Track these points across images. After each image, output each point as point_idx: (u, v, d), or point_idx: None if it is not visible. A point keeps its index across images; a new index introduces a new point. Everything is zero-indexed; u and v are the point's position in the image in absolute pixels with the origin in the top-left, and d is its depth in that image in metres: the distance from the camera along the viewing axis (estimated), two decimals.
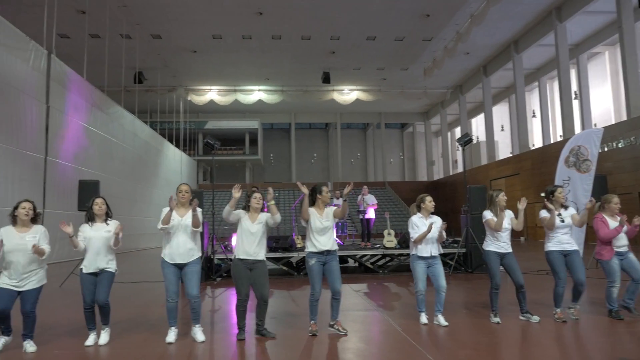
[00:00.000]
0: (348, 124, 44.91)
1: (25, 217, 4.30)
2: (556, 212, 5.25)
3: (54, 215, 14.42)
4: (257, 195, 4.71)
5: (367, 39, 24.03)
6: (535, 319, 5.17)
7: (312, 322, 4.80)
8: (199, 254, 4.67)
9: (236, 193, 4.57)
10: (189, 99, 31.81)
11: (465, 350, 4.09)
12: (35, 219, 4.41)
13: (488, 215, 5.31)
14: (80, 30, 20.65)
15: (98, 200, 4.66)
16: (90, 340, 4.48)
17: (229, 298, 7.34)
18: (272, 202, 4.65)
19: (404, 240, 10.45)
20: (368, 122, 43.74)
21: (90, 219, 4.62)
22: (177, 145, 33.39)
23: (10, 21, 12.82)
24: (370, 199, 11.80)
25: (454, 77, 30.96)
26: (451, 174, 36.82)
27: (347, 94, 32.48)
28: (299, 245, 10.68)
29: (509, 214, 5.33)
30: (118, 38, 22.24)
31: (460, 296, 7.05)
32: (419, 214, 5.37)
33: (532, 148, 26.51)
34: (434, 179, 39.50)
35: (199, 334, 4.56)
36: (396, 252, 10.40)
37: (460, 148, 11.15)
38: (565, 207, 5.39)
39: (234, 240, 10.22)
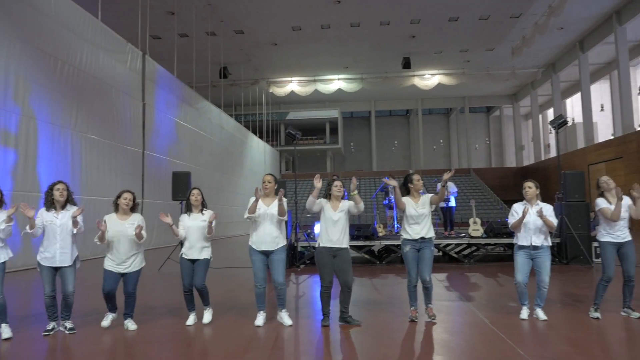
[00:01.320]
0: (430, 109, 43.67)
1: (126, 206, 4.73)
2: None
3: (151, 205, 15.59)
4: (337, 183, 4.77)
5: (449, 20, 23.09)
6: (635, 314, 4.75)
7: (412, 308, 4.84)
8: (284, 242, 4.83)
9: (318, 183, 4.64)
10: (270, 91, 32.69)
11: (561, 347, 3.83)
12: (134, 208, 4.81)
13: (602, 203, 4.89)
14: (170, 30, 21.95)
15: (194, 192, 4.96)
16: (190, 320, 4.82)
17: (313, 285, 7.49)
18: (355, 192, 4.66)
19: (490, 229, 9.99)
20: (451, 107, 42.25)
21: (188, 209, 4.92)
22: (260, 137, 34.53)
23: (109, 26, 13.93)
24: (452, 186, 11.42)
25: (546, 55, 28.84)
26: (543, 159, 34.55)
27: (429, 78, 31.53)
28: (380, 234, 10.63)
29: (626, 200, 4.86)
30: (204, 36, 23.35)
31: (555, 289, 6.61)
32: (524, 201, 5.05)
33: (639, 129, 24.04)
34: (523, 165, 37.33)
35: (285, 318, 4.72)
36: (482, 241, 9.98)
37: (553, 131, 10.41)
38: None
39: (316, 228, 10.45)
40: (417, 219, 4.79)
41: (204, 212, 4.93)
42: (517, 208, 5.00)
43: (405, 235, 4.84)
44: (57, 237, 4.47)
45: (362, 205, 4.64)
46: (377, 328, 4.55)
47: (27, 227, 4.40)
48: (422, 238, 4.76)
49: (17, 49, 10.10)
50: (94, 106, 12.83)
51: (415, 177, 4.87)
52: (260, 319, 4.71)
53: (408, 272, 4.81)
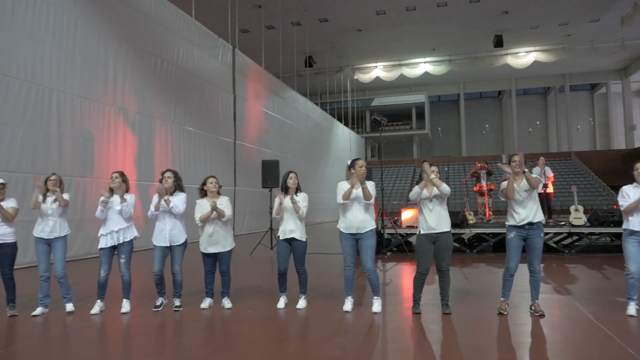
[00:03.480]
0: (525, 89, 40.97)
1: (213, 189, 5.06)
2: None
3: (243, 192, 16.35)
4: (434, 168, 4.69)
5: None
6: None
7: (502, 299, 4.64)
8: (373, 226, 4.81)
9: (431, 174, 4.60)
10: (355, 77, 32.60)
11: None
12: (219, 191, 5.13)
13: None
14: (257, 23, 22.64)
15: (292, 175, 5.11)
16: (281, 303, 5.01)
17: (400, 272, 7.43)
18: (432, 176, 4.58)
19: (595, 217, 9.21)
20: (549, 85, 39.33)
21: (285, 191, 5.09)
22: (346, 124, 34.63)
23: (201, 23, 14.70)
24: (549, 171, 10.72)
25: None
26: None
27: (523, 56, 29.51)
28: (470, 222, 10.25)
29: None
30: (289, 26, 23.79)
31: None
32: (634, 183, 4.61)
33: None
34: (634, 147, 33.81)
35: (375, 305, 4.72)
36: (585, 230, 9.23)
37: None
38: None
39: (403, 215, 10.33)
40: (522, 203, 4.54)
41: (298, 194, 5.07)
42: (628, 190, 4.57)
43: (510, 221, 4.61)
44: (166, 219, 4.94)
45: (444, 188, 4.54)
46: (468, 318, 4.41)
47: (152, 208, 4.92)
48: (530, 224, 4.51)
49: (123, 49, 11.01)
50: (190, 100, 13.66)
51: (516, 157, 4.59)
52: (348, 305, 4.77)
53: (508, 260, 4.57)
